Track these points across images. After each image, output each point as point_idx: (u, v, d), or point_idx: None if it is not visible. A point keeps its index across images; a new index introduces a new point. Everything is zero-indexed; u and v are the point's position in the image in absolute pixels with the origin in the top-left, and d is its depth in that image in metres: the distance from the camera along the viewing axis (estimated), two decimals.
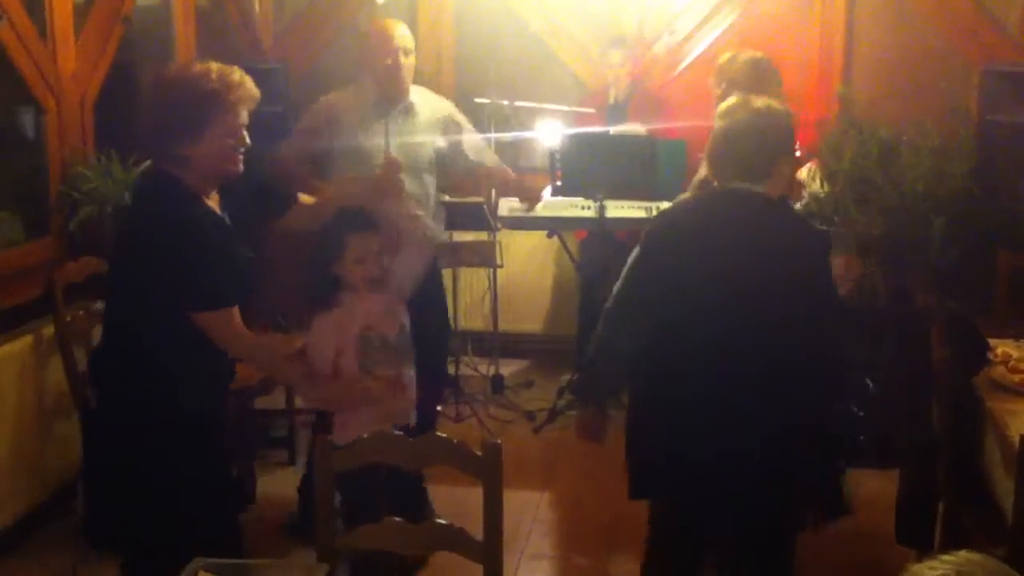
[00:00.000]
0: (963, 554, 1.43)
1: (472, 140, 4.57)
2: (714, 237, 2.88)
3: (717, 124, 2.98)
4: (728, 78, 3.84)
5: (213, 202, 2.95)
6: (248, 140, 2.90)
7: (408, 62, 4.30)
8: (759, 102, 2.99)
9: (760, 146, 2.90)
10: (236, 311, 2.87)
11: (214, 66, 2.84)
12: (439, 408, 5.29)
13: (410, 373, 3.22)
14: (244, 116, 2.86)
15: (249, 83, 2.88)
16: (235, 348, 2.91)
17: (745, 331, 2.79)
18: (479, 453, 2.43)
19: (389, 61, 4.25)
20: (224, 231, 2.90)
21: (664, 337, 2.89)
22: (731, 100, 3.09)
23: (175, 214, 2.79)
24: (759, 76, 3.84)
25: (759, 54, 4.11)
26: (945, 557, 1.44)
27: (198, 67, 2.84)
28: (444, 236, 4.73)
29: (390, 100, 4.31)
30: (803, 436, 2.85)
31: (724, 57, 3.96)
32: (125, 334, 2.87)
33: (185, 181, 2.83)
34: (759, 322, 2.77)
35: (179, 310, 2.78)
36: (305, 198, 3.30)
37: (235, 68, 2.87)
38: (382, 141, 4.12)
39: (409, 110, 4.34)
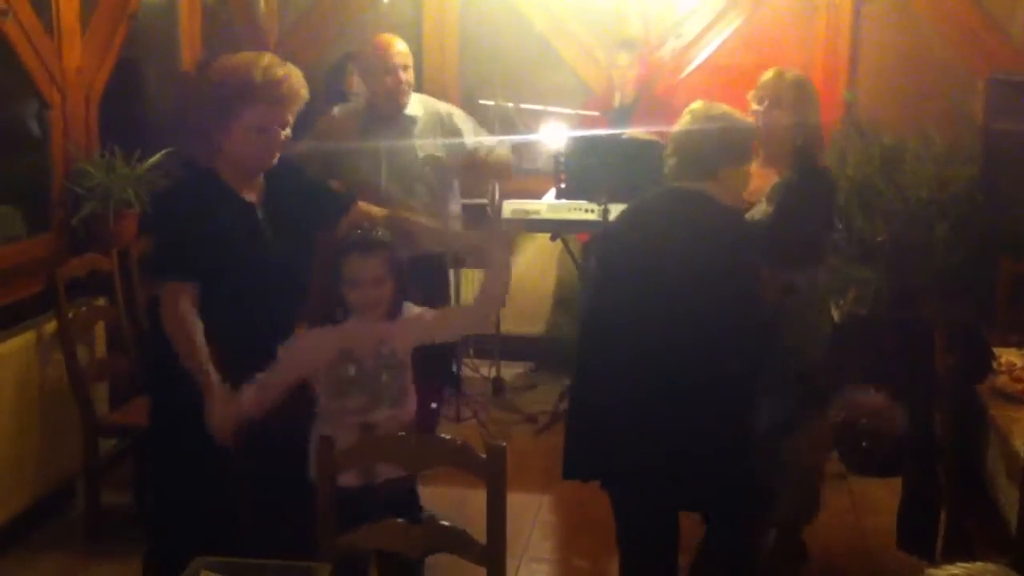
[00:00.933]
0: (979, 565, 1.43)
1: (473, 140, 4.58)
2: (642, 232, 3.08)
3: (677, 124, 3.16)
4: (773, 96, 3.81)
5: (252, 193, 2.94)
6: (283, 137, 2.89)
7: (408, 77, 4.33)
8: (720, 108, 3.16)
9: (709, 147, 3.06)
10: (184, 289, 2.80)
11: (264, 59, 2.84)
12: (434, 405, 5.31)
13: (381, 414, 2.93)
14: (281, 113, 2.86)
15: (294, 80, 2.87)
16: (167, 323, 2.82)
17: (660, 324, 2.89)
18: (483, 455, 2.42)
19: (389, 80, 4.31)
20: (227, 211, 2.87)
21: (601, 323, 3.06)
22: (695, 104, 3.23)
23: (166, 184, 2.86)
24: (805, 97, 3.82)
25: (802, 74, 4.10)
26: (963, 564, 1.44)
27: (245, 57, 2.85)
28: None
29: (388, 114, 4.37)
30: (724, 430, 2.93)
31: (768, 74, 3.93)
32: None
33: (211, 167, 2.86)
34: (674, 315, 2.88)
35: None
36: (369, 208, 3.22)
37: (286, 64, 2.87)
38: (380, 155, 4.30)
39: (408, 122, 4.41)
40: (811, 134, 3.69)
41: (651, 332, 2.90)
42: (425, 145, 4.44)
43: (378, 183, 4.35)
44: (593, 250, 3.10)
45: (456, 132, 4.51)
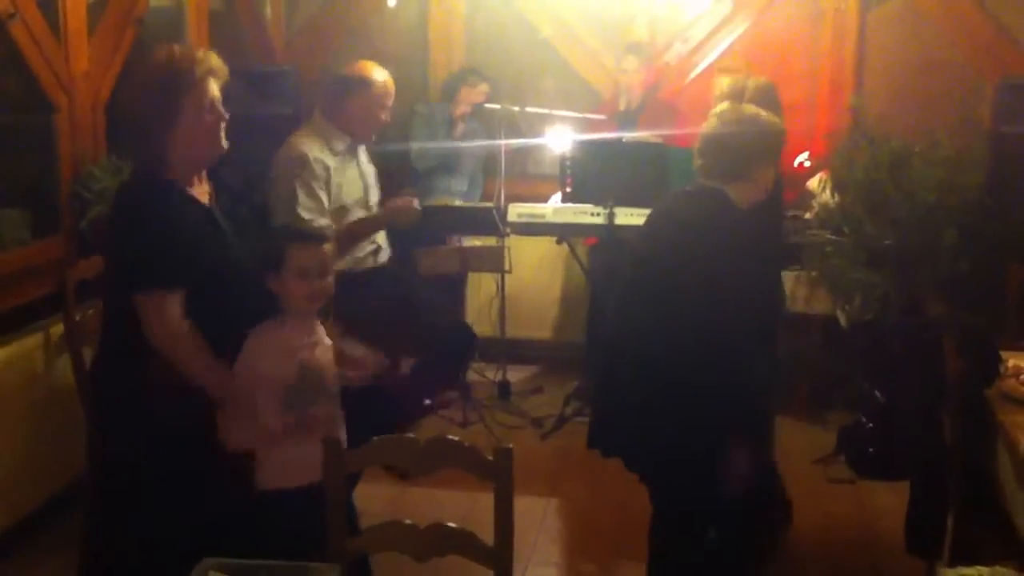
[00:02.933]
0: (995, 569, 1.43)
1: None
2: (662, 231, 3.17)
3: (708, 124, 3.21)
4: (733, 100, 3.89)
5: (201, 193, 2.91)
6: (225, 113, 2.86)
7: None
8: (750, 109, 3.23)
9: (742, 149, 3.12)
10: (173, 298, 2.75)
11: (176, 48, 2.82)
12: (428, 402, 5.35)
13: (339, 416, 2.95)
14: (215, 89, 2.83)
15: (214, 57, 2.85)
16: (160, 338, 2.75)
17: (676, 320, 2.96)
18: (490, 457, 2.42)
19: (384, 116, 4.49)
20: (193, 217, 2.85)
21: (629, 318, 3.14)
22: (722, 106, 3.33)
23: (128, 197, 2.84)
24: (769, 103, 3.90)
25: (764, 79, 4.18)
26: (979, 568, 1.44)
27: (159, 52, 2.82)
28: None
29: (359, 141, 4.54)
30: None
31: (727, 81, 4.03)
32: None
33: (164, 174, 2.81)
34: (684, 314, 2.94)
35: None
36: None
37: (198, 46, 2.89)
38: (358, 179, 4.49)
39: (362, 147, 4.60)
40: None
41: (670, 327, 2.98)
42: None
43: (362, 199, 4.58)
44: (628, 248, 3.17)
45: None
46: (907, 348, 3.88)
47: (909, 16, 5.84)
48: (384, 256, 4.63)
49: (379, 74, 4.47)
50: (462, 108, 5.84)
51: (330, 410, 2.87)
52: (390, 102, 4.50)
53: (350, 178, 4.47)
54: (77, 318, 4.06)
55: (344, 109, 4.41)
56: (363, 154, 4.61)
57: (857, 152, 5.02)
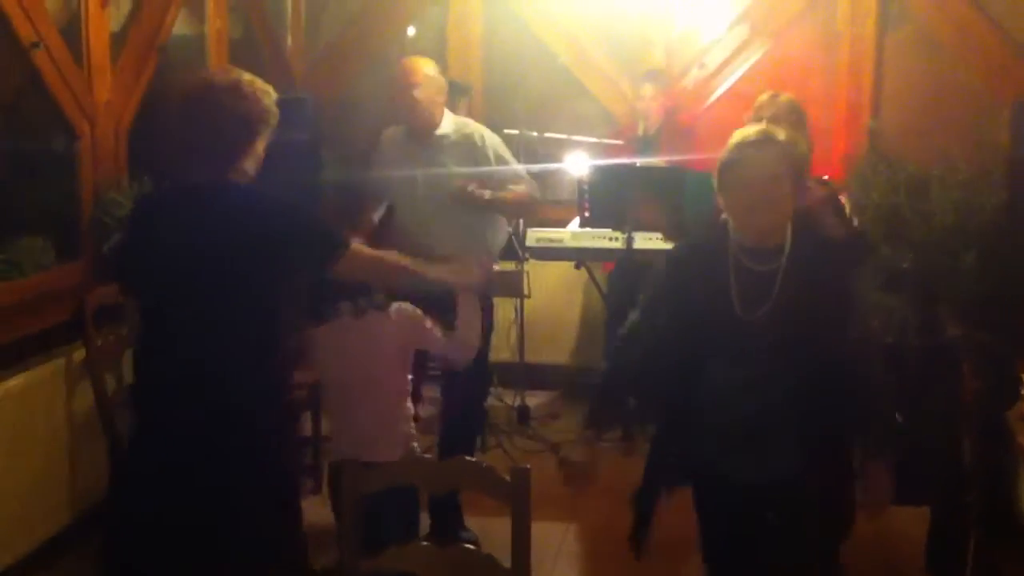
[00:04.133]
0: None
1: (500, 170, 4.45)
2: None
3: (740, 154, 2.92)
4: (770, 115, 3.92)
5: None
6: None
7: (421, 95, 4.27)
8: (777, 133, 2.97)
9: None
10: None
11: (260, 83, 2.85)
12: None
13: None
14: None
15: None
16: (383, 269, 3.00)
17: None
18: (507, 477, 2.43)
19: (399, 99, 4.30)
20: None
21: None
22: (747, 130, 3.00)
23: (254, 194, 2.81)
24: (800, 119, 3.94)
25: (793, 96, 4.20)
26: None
27: (254, 79, 2.85)
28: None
29: (420, 133, 4.35)
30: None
31: (764, 97, 4.04)
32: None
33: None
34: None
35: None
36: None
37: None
38: (415, 174, 4.27)
39: (441, 142, 4.36)
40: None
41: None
42: (459, 168, 4.36)
43: (413, 204, 4.37)
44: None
45: (488, 156, 4.41)
46: (926, 370, 3.86)
47: (926, 39, 5.85)
48: None
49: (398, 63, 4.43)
50: None
51: None
52: (401, 83, 4.30)
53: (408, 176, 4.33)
54: (98, 343, 4.11)
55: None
56: (440, 155, 4.36)
57: (874, 175, 5.03)
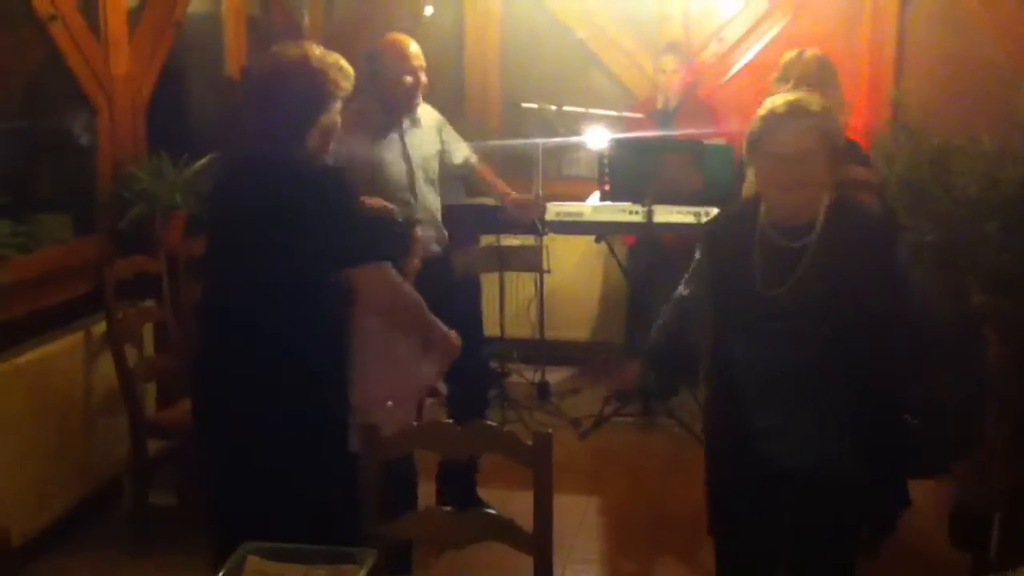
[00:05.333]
0: None
1: (459, 145, 4.61)
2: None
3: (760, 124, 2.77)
4: (796, 75, 3.84)
5: None
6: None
7: (424, 79, 4.32)
8: (815, 102, 2.78)
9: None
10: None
11: (333, 56, 2.88)
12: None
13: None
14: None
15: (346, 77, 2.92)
16: (397, 299, 2.91)
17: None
18: (529, 443, 2.41)
19: (409, 79, 4.27)
20: None
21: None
22: (779, 99, 2.79)
23: (309, 182, 2.81)
24: (826, 73, 3.85)
25: (821, 52, 4.11)
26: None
27: (321, 51, 2.86)
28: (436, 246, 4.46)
29: (401, 114, 4.34)
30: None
31: (790, 55, 3.96)
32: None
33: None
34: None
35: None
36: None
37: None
38: (399, 154, 4.25)
39: (417, 123, 4.39)
40: (837, 110, 3.68)
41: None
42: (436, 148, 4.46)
43: (404, 180, 4.33)
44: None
45: (449, 131, 4.56)
46: (949, 339, 3.82)
47: (948, 12, 5.78)
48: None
49: (393, 40, 4.38)
50: None
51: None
52: (412, 64, 4.27)
53: (390, 158, 4.30)
54: (119, 316, 4.11)
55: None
56: (413, 136, 4.37)
57: (896, 148, 4.97)
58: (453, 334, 3.07)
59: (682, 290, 3.00)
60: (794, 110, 2.65)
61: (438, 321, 3.03)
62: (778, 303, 2.66)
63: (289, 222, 2.73)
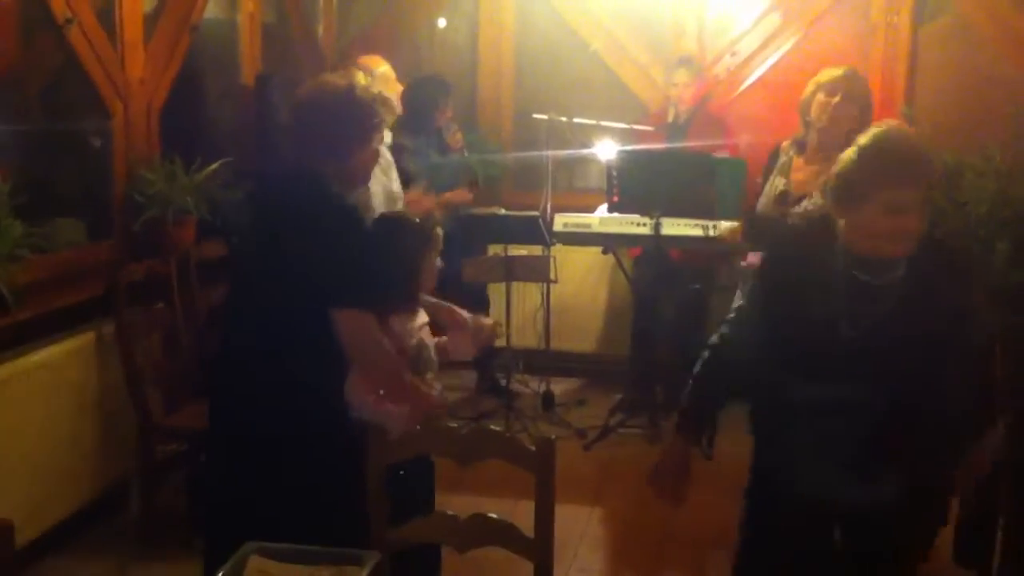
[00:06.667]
0: None
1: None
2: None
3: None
4: (847, 91, 3.96)
5: None
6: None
7: None
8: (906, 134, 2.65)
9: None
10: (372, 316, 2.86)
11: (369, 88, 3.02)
12: None
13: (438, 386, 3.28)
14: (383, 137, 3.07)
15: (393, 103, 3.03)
16: (369, 352, 2.86)
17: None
18: (532, 448, 2.42)
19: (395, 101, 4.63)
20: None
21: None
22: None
23: (325, 215, 2.84)
24: (870, 99, 3.98)
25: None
26: None
27: (356, 85, 3.02)
28: None
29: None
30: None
31: (840, 71, 4.08)
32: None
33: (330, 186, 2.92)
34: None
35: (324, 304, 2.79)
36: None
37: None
38: (379, 182, 4.40)
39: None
40: None
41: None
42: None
43: (383, 207, 4.49)
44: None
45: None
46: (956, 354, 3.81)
47: (960, 30, 5.79)
48: None
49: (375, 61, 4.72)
50: (448, 113, 5.70)
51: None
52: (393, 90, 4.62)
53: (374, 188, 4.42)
54: (128, 318, 4.13)
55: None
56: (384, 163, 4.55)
57: None
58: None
59: (719, 337, 2.79)
60: (914, 149, 2.45)
61: (418, 384, 3.02)
62: (859, 343, 2.52)
63: (303, 245, 2.79)
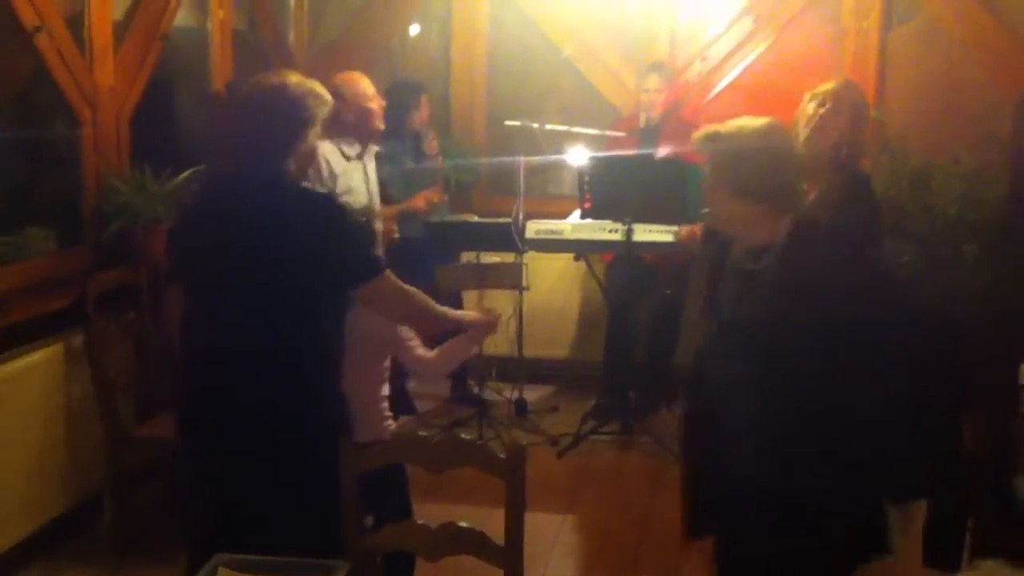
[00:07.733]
0: None
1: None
2: None
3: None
4: (836, 102, 3.98)
5: None
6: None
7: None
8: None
9: None
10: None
11: (301, 83, 2.91)
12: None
13: None
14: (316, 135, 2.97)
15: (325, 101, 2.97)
16: (410, 301, 2.94)
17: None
18: (503, 456, 2.42)
19: (374, 106, 4.61)
20: None
21: None
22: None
23: (302, 202, 2.84)
24: (864, 114, 3.98)
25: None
26: None
27: (300, 79, 2.91)
28: None
29: (366, 142, 4.66)
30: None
31: (838, 83, 4.08)
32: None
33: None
34: None
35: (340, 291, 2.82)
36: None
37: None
38: (362, 180, 4.56)
39: (371, 151, 4.69)
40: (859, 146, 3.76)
41: None
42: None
43: (367, 205, 4.65)
44: None
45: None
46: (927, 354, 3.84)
47: (930, 34, 5.84)
48: None
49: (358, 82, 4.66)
50: (425, 113, 5.74)
51: None
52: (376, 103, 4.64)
53: (356, 184, 4.56)
54: (98, 328, 4.11)
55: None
56: (371, 164, 4.69)
57: (877, 167, 5.02)
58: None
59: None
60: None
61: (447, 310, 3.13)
62: (733, 329, 2.68)
63: (297, 240, 2.76)
